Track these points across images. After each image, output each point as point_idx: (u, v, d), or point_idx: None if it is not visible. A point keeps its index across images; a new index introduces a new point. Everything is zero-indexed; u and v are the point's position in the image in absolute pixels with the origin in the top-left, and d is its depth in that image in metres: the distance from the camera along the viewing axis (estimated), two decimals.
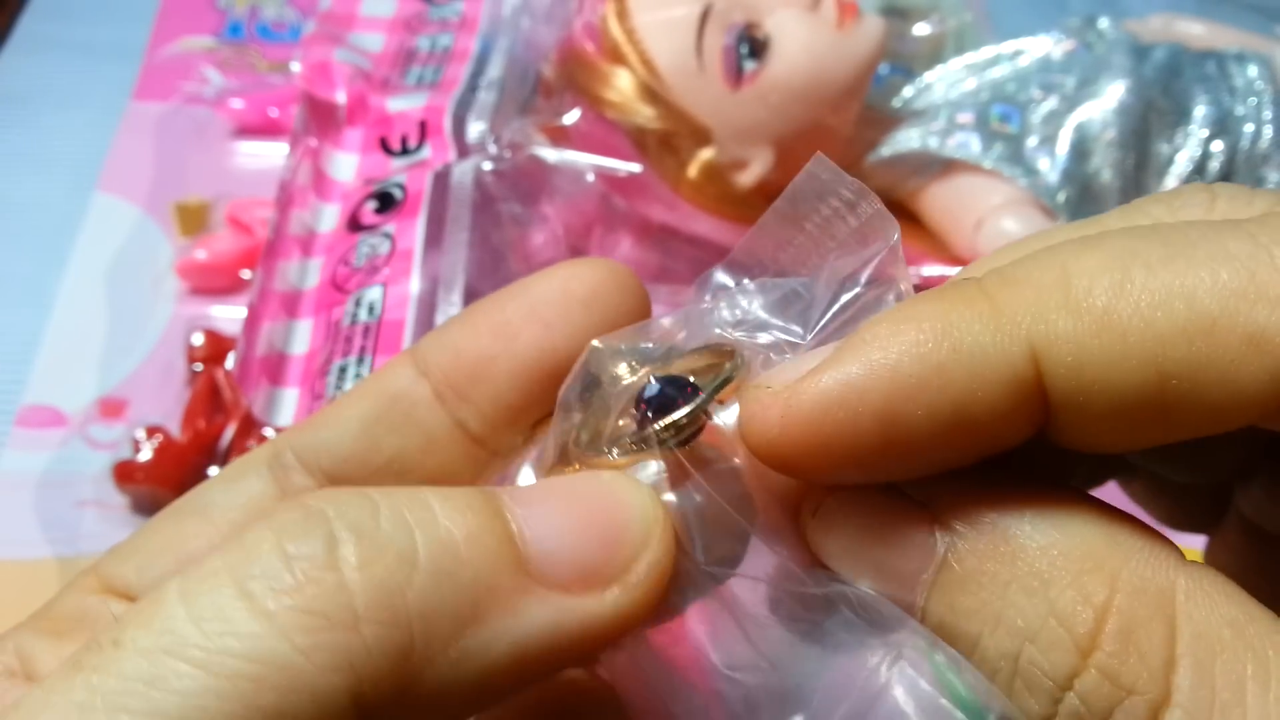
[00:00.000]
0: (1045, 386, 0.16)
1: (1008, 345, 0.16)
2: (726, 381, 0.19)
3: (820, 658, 0.18)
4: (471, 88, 0.60)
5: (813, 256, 0.20)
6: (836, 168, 0.19)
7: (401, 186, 0.55)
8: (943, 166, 0.58)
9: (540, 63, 0.58)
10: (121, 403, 0.51)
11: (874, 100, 0.61)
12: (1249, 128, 0.58)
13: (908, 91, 0.64)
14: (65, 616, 0.20)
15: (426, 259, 0.51)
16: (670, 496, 0.18)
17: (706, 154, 0.55)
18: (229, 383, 0.48)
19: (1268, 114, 0.58)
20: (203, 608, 0.15)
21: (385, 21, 0.67)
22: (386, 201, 0.55)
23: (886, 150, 0.59)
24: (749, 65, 0.53)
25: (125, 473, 0.47)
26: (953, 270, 0.55)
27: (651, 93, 0.54)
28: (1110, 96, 0.58)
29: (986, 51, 0.63)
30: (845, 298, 0.19)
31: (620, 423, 0.19)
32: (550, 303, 0.21)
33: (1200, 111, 0.58)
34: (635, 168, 0.54)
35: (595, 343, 0.20)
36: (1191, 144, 0.58)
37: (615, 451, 0.19)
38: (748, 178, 0.55)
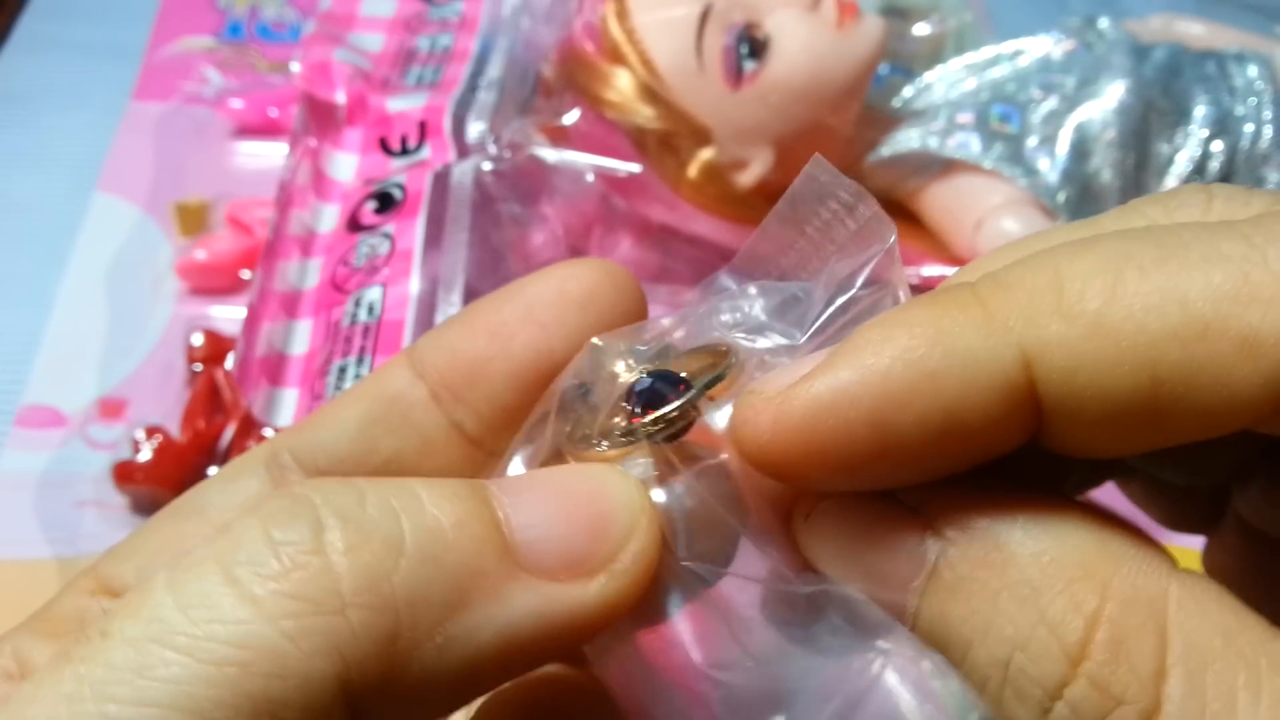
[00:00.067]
0: (1038, 392, 0.16)
1: (1000, 351, 0.16)
2: (718, 379, 0.19)
3: (807, 660, 0.18)
4: (471, 88, 0.60)
5: (814, 260, 0.20)
6: (834, 170, 0.19)
7: (401, 187, 0.55)
8: (943, 166, 0.58)
9: (540, 63, 0.58)
10: (121, 403, 0.51)
11: (874, 100, 0.61)
12: (1249, 128, 0.58)
13: (908, 91, 0.64)
14: (63, 618, 0.20)
15: (426, 259, 0.51)
16: (658, 492, 0.18)
17: (706, 154, 0.55)
18: (229, 383, 0.48)
19: (1268, 114, 0.58)
20: (189, 595, 0.15)
21: (385, 21, 0.67)
22: (386, 202, 0.55)
23: (886, 150, 0.59)
24: (749, 65, 0.53)
25: (125, 473, 0.47)
26: (953, 270, 0.55)
27: (651, 93, 0.54)
28: (1110, 96, 0.58)
29: (986, 51, 0.63)
30: (840, 301, 0.19)
31: (615, 419, 0.19)
32: (547, 304, 0.21)
33: (1200, 111, 0.58)
34: (635, 168, 0.54)
35: (595, 340, 0.20)
36: (1191, 144, 0.58)
37: (605, 445, 0.19)
38: (748, 178, 0.55)
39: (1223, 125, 0.58)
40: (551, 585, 0.17)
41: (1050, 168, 0.57)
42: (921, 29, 0.69)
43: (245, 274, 0.56)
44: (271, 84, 0.66)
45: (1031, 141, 0.58)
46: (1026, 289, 0.16)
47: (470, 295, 0.50)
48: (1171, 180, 0.58)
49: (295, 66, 0.63)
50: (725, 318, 0.20)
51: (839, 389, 0.16)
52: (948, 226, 0.58)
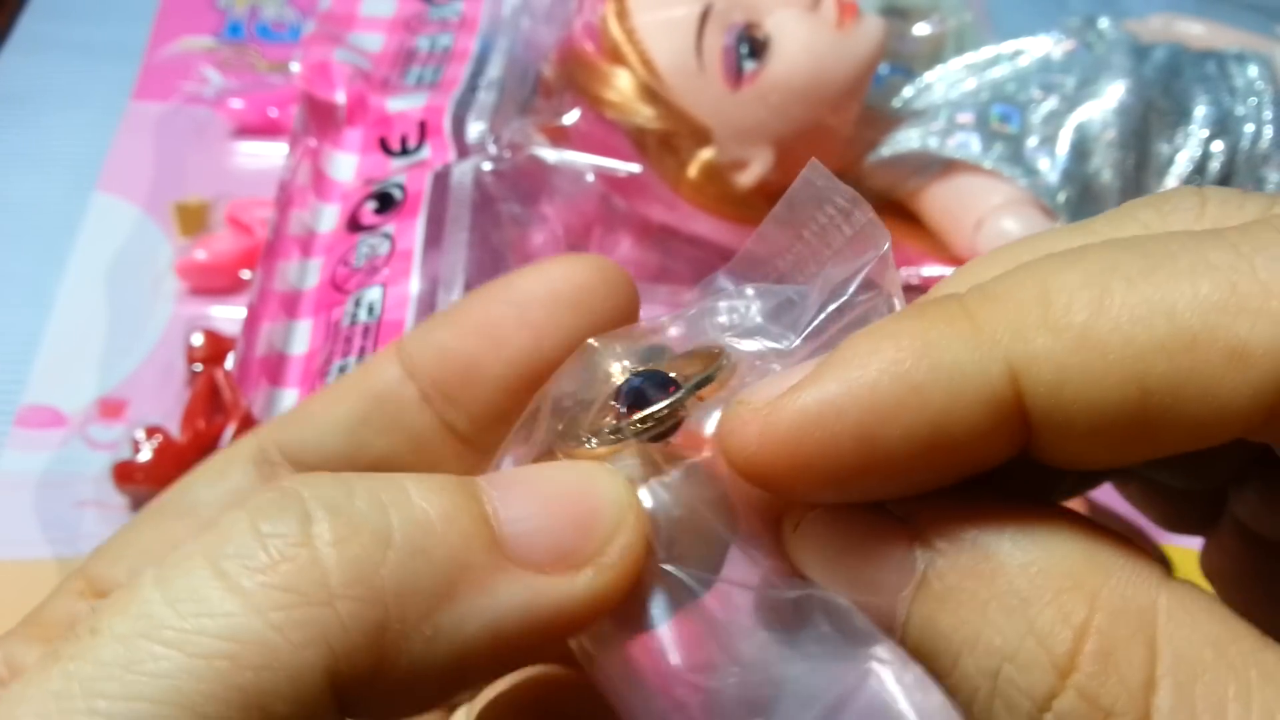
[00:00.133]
0: (1026, 405, 0.16)
1: (986, 365, 0.16)
2: (707, 380, 0.19)
3: (792, 666, 0.17)
4: (471, 88, 0.60)
5: (810, 264, 0.20)
6: (830, 175, 0.19)
7: (401, 187, 0.55)
8: (943, 166, 0.58)
9: (540, 63, 0.58)
10: (121, 403, 0.51)
11: (874, 100, 0.61)
12: (1249, 128, 0.58)
13: (908, 91, 0.64)
14: (54, 621, 0.20)
15: (426, 259, 0.51)
16: (644, 493, 0.18)
17: (706, 154, 0.55)
18: (229, 383, 0.48)
19: (1268, 114, 0.58)
20: (178, 590, 0.15)
21: (385, 21, 0.67)
22: (386, 202, 0.55)
23: (886, 150, 0.59)
24: (749, 65, 0.53)
25: (125, 473, 0.47)
26: (953, 270, 0.55)
27: (651, 93, 0.54)
28: (1110, 96, 0.58)
29: (986, 51, 0.63)
30: (832, 308, 0.19)
31: (605, 418, 0.19)
32: (538, 303, 0.21)
33: (1200, 111, 0.58)
34: (635, 168, 0.54)
35: (591, 341, 0.20)
36: (1192, 144, 0.58)
37: (594, 442, 0.19)
38: (748, 178, 0.55)
39: (1223, 125, 0.58)
40: (539, 578, 0.17)
41: (1050, 168, 0.57)
42: (921, 29, 0.69)
43: (245, 274, 0.56)
44: (271, 84, 0.66)
45: (1031, 141, 0.58)
46: (1014, 301, 0.16)
47: None
48: (1172, 180, 0.58)
49: (295, 66, 0.63)
50: (722, 319, 0.20)
51: (826, 401, 0.16)
52: (948, 226, 0.58)
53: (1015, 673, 0.16)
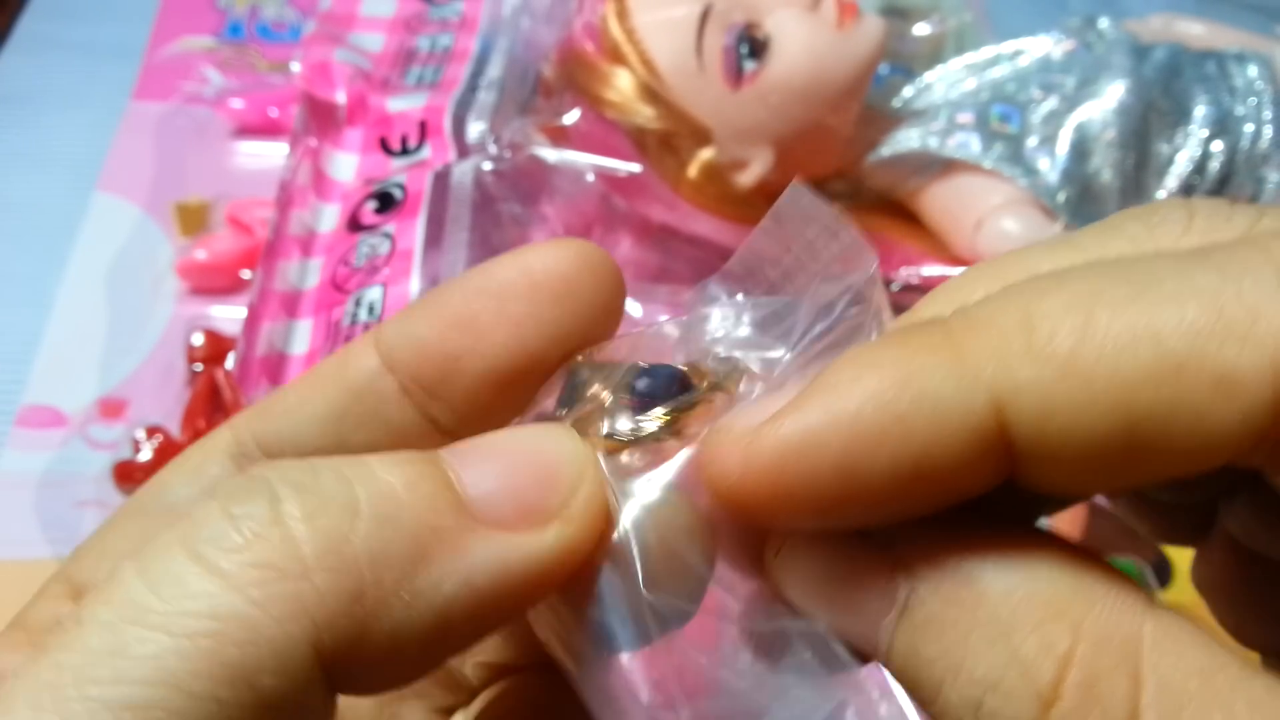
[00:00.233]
0: (1010, 436, 0.16)
1: (970, 396, 0.15)
2: (691, 405, 0.19)
3: (771, 695, 0.17)
4: (471, 88, 0.60)
5: (799, 275, 0.20)
6: (814, 196, 0.19)
7: (401, 186, 0.55)
8: (943, 166, 0.58)
9: (540, 63, 0.58)
10: (121, 403, 0.51)
11: (874, 100, 0.61)
12: (1249, 128, 0.58)
13: (908, 91, 0.64)
14: (39, 626, 0.19)
15: (426, 259, 0.51)
16: (624, 518, 0.18)
17: (706, 154, 0.55)
18: (229, 383, 0.48)
19: (1268, 114, 0.58)
20: (159, 576, 0.15)
21: (385, 21, 0.67)
22: (386, 201, 0.55)
23: (886, 150, 0.59)
24: (749, 65, 0.53)
25: (125, 473, 0.47)
26: (953, 270, 0.55)
27: (651, 93, 0.54)
28: (1110, 96, 0.58)
29: (986, 51, 0.63)
30: (819, 328, 0.19)
31: (588, 432, 0.19)
32: (517, 296, 0.20)
33: (1200, 111, 0.58)
34: (635, 168, 0.54)
35: (579, 359, 0.20)
36: (1191, 144, 0.58)
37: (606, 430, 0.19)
38: (748, 178, 0.55)
39: (1223, 125, 0.58)
40: (509, 535, 0.17)
41: (1050, 168, 0.57)
42: (921, 29, 0.69)
43: (245, 274, 0.56)
44: (271, 84, 0.66)
45: (1031, 141, 0.58)
46: (997, 328, 0.16)
47: None
48: (1172, 180, 0.58)
49: (295, 66, 0.63)
50: (713, 332, 0.20)
51: (808, 431, 0.16)
52: (948, 226, 0.58)
53: (998, 703, 0.15)
